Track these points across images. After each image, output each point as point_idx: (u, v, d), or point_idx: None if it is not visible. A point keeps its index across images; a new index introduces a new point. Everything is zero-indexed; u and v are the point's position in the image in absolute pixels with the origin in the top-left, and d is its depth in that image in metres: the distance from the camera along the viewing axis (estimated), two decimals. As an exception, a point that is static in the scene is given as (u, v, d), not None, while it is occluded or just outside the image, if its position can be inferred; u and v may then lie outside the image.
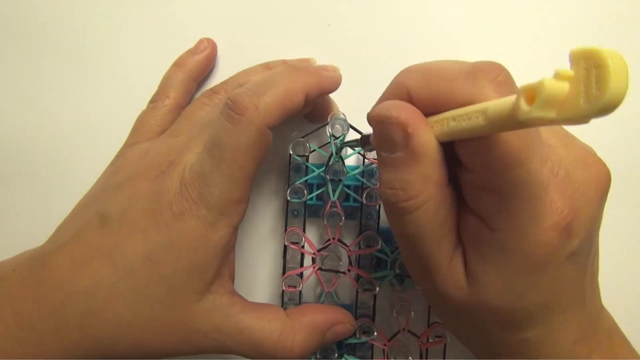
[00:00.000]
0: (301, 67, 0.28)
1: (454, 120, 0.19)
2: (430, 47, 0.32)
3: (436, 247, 0.21)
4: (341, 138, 0.29)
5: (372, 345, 0.31)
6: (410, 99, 0.20)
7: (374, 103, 0.22)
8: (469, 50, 0.32)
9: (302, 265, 0.31)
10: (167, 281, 0.25)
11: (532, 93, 0.14)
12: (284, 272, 0.30)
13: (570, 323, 0.21)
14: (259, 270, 0.33)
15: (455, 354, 0.30)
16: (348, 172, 0.29)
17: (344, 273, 0.30)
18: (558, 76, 0.14)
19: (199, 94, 0.32)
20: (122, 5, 0.33)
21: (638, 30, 0.32)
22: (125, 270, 0.25)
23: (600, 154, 0.21)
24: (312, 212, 0.31)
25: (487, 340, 0.22)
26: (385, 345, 0.30)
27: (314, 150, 0.29)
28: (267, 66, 0.31)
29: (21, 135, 0.33)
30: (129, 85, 0.33)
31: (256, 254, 0.33)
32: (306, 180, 0.30)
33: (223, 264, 0.26)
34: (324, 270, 0.30)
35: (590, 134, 0.32)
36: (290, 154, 0.30)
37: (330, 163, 0.29)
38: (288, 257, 0.31)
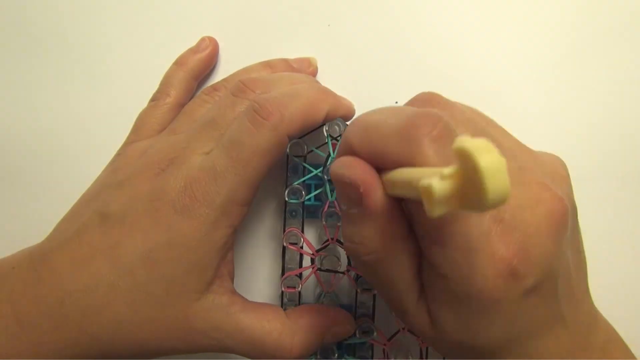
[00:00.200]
0: (325, 88, 0.29)
1: (395, 183, 0.19)
2: (431, 47, 0.32)
3: (402, 293, 0.22)
4: (338, 138, 0.29)
5: (372, 345, 0.31)
6: (357, 155, 0.20)
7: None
8: (469, 50, 0.32)
9: (301, 265, 0.31)
10: (166, 280, 0.25)
11: (428, 193, 0.14)
12: (282, 273, 0.30)
13: (551, 345, 0.21)
14: (257, 272, 0.33)
15: (455, 354, 0.30)
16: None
17: (343, 273, 0.30)
18: (443, 177, 0.14)
19: (199, 92, 0.32)
20: (123, 3, 0.33)
21: (638, 30, 0.32)
22: (125, 269, 0.25)
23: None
24: (310, 212, 0.31)
25: None
26: (385, 345, 0.30)
27: (312, 150, 0.29)
28: (267, 64, 0.32)
29: (21, 133, 0.33)
30: (129, 83, 0.33)
31: (255, 256, 0.33)
32: (304, 180, 0.30)
33: (222, 264, 0.27)
34: (323, 270, 0.30)
35: (590, 133, 0.32)
36: (287, 155, 0.30)
37: (328, 163, 0.29)
38: (287, 258, 0.31)
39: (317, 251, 0.30)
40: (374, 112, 0.21)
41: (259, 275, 0.33)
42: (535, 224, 0.19)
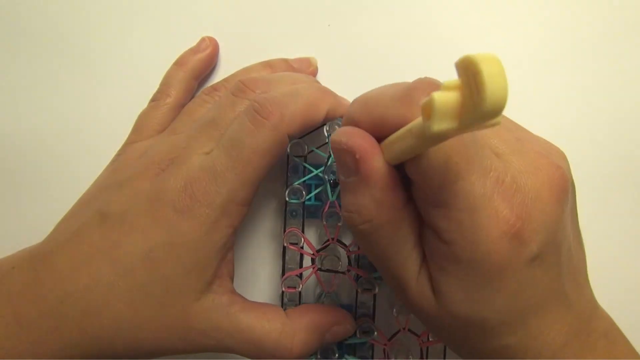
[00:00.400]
0: (325, 87, 0.29)
1: (395, 143, 0.19)
2: (431, 47, 0.32)
3: (401, 266, 0.21)
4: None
5: (373, 345, 0.31)
6: (359, 127, 0.21)
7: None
8: (469, 50, 0.32)
9: (301, 265, 0.31)
10: (166, 280, 0.25)
11: (429, 108, 0.15)
12: (283, 273, 0.30)
13: (555, 325, 0.21)
14: (258, 272, 0.33)
15: (455, 354, 0.30)
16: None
17: (343, 273, 0.30)
18: (445, 87, 0.15)
19: (199, 92, 0.32)
20: (123, 3, 0.33)
21: (638, 30, 0.32)
22: (124, 269, 0.25)
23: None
24: (310, 212, 0.31)
25: (472, 348, 0.22)
26: (385, 344, 0.30)
27: (312, 150, 0.29)
28: (267, 64, 0.32)
29: (21, 133, 0.33)
30: (129, 83, 0.33)
31: (255, 256, 0.33)
32: (304, 180, 0.30)
33: (222, 264, 0.27)
34: (324, 270, 0.30)
35: (590, 133, 0.32)
36: (288, 155, 0.30)
37: (329, 163, 0.29)
38: (287, 258, 0.31)
39: (318, 251, 0.30)
40: (370, 90, 0.22)
41: (259, 275, 0.33)
42: (536, 189, 0.20)
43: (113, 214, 0.26)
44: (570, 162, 0.24)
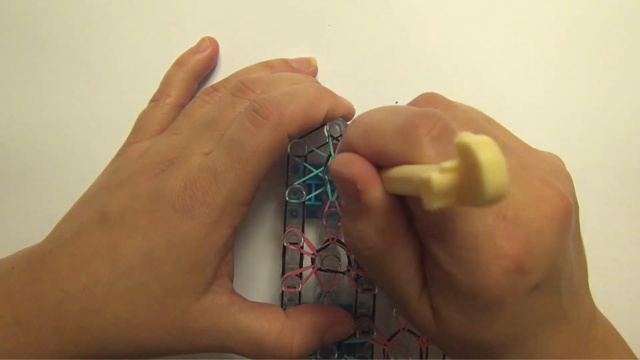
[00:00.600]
0: (325, 88, 0.29)
1: (395, 182, 0.19)
2: (431, 47, 0.32)
3: (403, 288, 0.22)
4: (339, 138, 0.29)
5: (372, 345, 0.31)
6: (358, 154, 0.20)
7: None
8: (469, 49, 0.32)
9: (301, 265, 0.31)
10: (166, 280, 0.25)
11: (427, 187, 0.15)
12: (283, 273, 0.30)
13: (554, 342, 0.21)
14: (258, 272, 0.33)
15: (455, 354, 0.30)
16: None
17: (343, 273, 0.30)
18: (443, 170, 0.14)
19: (199, 92, 0.32)
20: (124, 4, 0.33)
21: (638, 30, 0.32)
22: (124, 269, 0.25)
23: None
24: (310, 212, 0.31)
25: None
26: (385, 345, 0.30)
27: (312, 150, 0.29)
28: (267, 64, 0.32)
29: (21, 133, 0.33)
30: (129, 84, 0.33)
31: (255, 255, 0.33)
32: (305, 180, 0.30)
33: (221, 264, 0.27)
34: (324, 270, 0.30)
35: (590, 132, 0.32)
36: (288, 155, 0.30)
37: (329, 163, 0.29)
38: (287, 257, 0.31)
39: (318, 251, 0.30)
40: (374, 111, 0.21)
41: (259, 275, 0.33)
42: (539, 221, 0.19)
43: (113, 214, 0.26)
44: (569, 162, 0.24)
